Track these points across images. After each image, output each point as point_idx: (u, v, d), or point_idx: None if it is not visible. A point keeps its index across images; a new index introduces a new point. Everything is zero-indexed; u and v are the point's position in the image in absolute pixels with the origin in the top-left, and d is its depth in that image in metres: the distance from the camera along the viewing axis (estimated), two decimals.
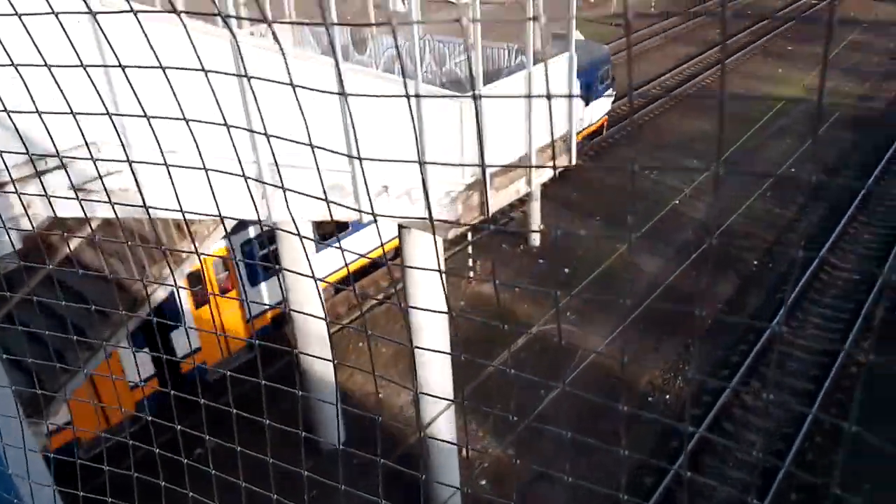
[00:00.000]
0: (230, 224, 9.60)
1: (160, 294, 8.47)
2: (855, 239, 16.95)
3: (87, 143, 2.13)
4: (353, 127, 3.56)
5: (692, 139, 21.72)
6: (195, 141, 1.80)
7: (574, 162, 7.16)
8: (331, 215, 5.70)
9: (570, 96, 7.61)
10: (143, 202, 1.98)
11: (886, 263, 15.50)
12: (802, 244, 16.92)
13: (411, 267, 8.04)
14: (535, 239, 17.26)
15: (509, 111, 6.72)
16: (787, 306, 14.59)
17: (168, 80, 1.61)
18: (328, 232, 13.84)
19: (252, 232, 12.75)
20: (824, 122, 23.41)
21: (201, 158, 1.82)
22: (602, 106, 20.68)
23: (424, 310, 7.56)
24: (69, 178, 4.30)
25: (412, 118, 1.51)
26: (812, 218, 18.05)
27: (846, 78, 27.66)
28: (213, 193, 1.87)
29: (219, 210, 1.90)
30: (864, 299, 14.48)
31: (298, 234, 1.83)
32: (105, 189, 2.61)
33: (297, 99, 1.50)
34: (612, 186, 19.39)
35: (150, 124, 1.75)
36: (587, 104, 19.45)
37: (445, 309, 8.05)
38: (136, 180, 1.92)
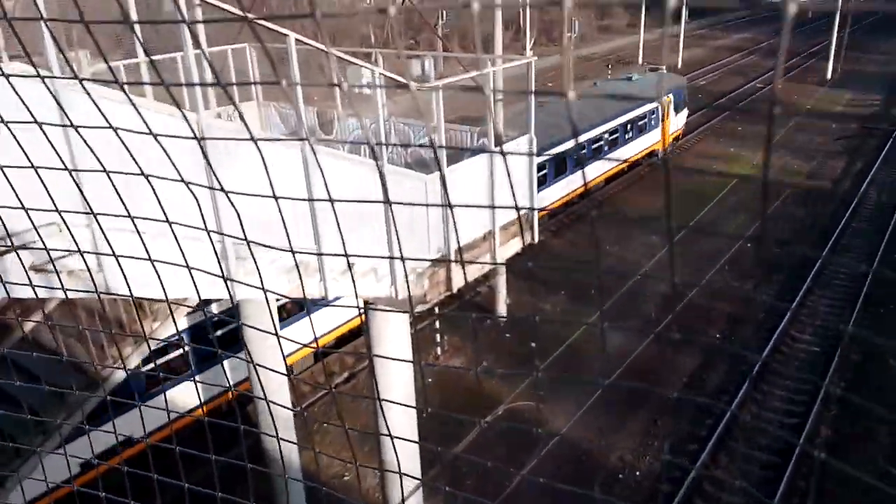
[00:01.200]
0: (193, 302, 9.45)
1: (118, 374, 8.22)
2: (813, 311, 17.36)
3: (35, 228, 2.13)
4: (331, 203, 3.62)
5: (650, 216, 22.30)
6: (168, 221, 1.83)
7: (536, 239, 7.31)
8: (303, 291, 5.68)
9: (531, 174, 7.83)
10: (96, 286, 1.98)
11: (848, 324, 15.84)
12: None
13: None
14: (502, 313, 17.32)
15: (473, 190, 6.87)
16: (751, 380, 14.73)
17: (137, 162, 1.65)
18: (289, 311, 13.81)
19: (216, 309, 12.55)
20: (777, 199, 24.35)
21: (176, 239, 1.84)
22: (683, 117, 29.75)
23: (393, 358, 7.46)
24: (20, 260, 4.25)
25: (385, 197, 1.57)
26: (770, 291, 18.49)
27: (794, 156, 28.98)
28: (184, 270, 1.89)
29: (194, 289, 1.91)
30: (825, 370, 14.71)
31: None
32: (57, 271, 2.59)
33: (270, 177, 1.55)
34: (577, 260, 19.70)
35: (123, 202, 1.78)
36: (676, 114, 28.72)
37: (413, 386, 7.97)
38: (94, 262, 1.92)
